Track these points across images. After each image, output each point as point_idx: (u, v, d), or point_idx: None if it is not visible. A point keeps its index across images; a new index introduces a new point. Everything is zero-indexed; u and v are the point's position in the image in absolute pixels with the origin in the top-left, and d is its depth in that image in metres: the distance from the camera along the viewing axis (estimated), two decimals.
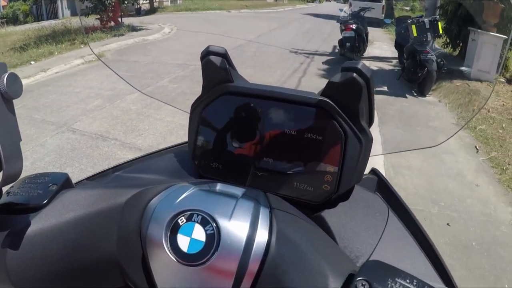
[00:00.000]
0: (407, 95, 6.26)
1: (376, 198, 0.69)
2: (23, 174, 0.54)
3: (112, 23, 13.85)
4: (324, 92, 0.57)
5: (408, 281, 0.37)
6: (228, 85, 0.62)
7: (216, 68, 0.63)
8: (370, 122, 0.62)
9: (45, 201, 0.50)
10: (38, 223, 0.50)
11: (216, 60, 0.63)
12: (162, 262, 0.46)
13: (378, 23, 10.65)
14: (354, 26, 8.02)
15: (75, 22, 16.51)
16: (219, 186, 0.53)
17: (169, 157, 0.74)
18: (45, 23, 22.65)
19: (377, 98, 5.89)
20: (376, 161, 4.08)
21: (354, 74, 0.53)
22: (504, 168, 4.11)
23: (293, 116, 0.58)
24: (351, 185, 0.59)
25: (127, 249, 0.49)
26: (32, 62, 10.44)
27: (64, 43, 12.11)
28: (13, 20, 37.45)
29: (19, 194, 0.52)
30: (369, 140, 0.58)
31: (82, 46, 11.41)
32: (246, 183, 0.60)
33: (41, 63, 10.10)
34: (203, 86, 0.65)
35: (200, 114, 0.65)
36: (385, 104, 5.68)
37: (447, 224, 3.17)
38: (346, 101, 0.55)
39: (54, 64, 9.47)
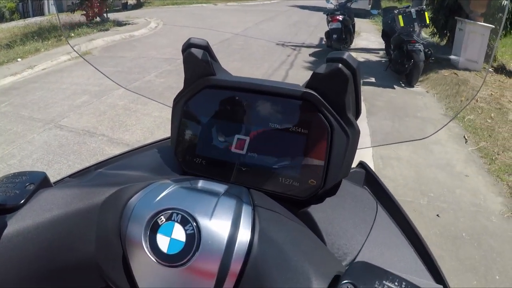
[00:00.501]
0: (395, 86, 6.27)
1: (364, 192, 0.66)
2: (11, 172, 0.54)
3: (98, 19, 13.85)
4: (309, 84, 0.55)
5: (396, 283, 0.35)
6: (210, 78, 0.60)
7: (198, 61, 0.61)
8: (357, 114, 0.60)
9: (22, 201, 0.49)
10: (15, 224, 0.48)
11: (197, 52, 0.61)
12: (142, 263, 0.45)
13: (365, 14, 10.68)
14: (340, 18, 8.08)
15: (62, 18, 16.49)
16: (200, 183, 0.52)
17: (152, 153, 0.72)
18: (31, 20, 22.50)
19: (365, 89, 5.89)
20: (365, 152, 4.08)
21: (340, 65, 0.51)
22: (493, 158, 4.11)
23: (278, 109, 0.56)
24: (338, 179, 0.57)
25: (106, 250, 0.48)
26: (19, 60, 10.32)
27: (51, 39, 12.01)
28: None
29: None
30: (356, 132, 0.56)
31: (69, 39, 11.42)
32: (230, 178, 0.58)
33: (28, 60, 9.99)
34: (185, 79, 0.64)
35: (182, 108, 0.63)
36: (373, 95, 5.70)
37: (437, 215, 3.17)
38: (332, 93, 0.53)
39: (41, 60, 9.39)
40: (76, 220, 0.48)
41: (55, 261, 0.47)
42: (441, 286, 0.48)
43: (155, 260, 0.44)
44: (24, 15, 35.74)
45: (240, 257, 0.43)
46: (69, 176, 0.69)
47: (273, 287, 0.40)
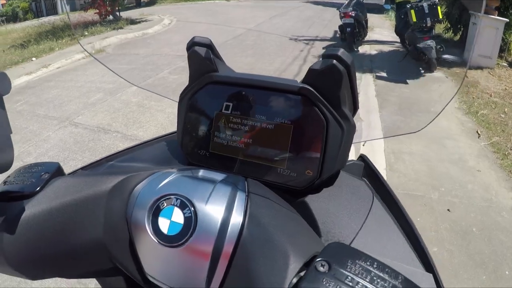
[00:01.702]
0: (410, 75, 6.28)
1: (362, 184, 0.68)
2: None
3: (111, 17, 13.87)
4: (305, 79, 0.57)
5: (368, 263, 0.39)
6: (213, 74, 0.63)
7: (201, 58, 0.64)
8: (355, 109, 0.63)
9: (37, 189, 0.55)
10: (31, 209, 0.53)
11: (200, 50, 0.64)
12: (146, 244, 0.49)
13: (378, 9, 10.53)
14: (353, 13, 8.06)
15: (75, 17, 16.53)
16: (201, 172, 0.55)
17: (160, 146, 0.76)
18: (45, 20, 22.62)
19: (379, 81, 5.86)
20: (377, 147, 4.09)
21: (334, 61, 0.54)
22: (506, 153, 4.09)
23: (276, 103, 0.59)
24: (334, 171, 0.60)
25: (113, 233, 0.51)
26: (34, 59, 10.44)
27: (65, 38, 12.08)
28: (13, 17, 37.39)
29: (14, 183, 0.56)
30: (351, 126, 0.59)
31: (82, 38, 11.44)
32: (233, 169, 0.62)
33: (42, 59, 10.10)
34: (189, 76, 0.67)
35: (187, 103, 0.66)
36: (386, 88, 5.67)
37: (448, 210, 3.17)
38: (327, 88, 0.56)
39: (55, 59, 9.48)
40: (86, 206, 0.53)
41: (67, 242, 0.52)
42: (431, 274, 0.51)
43: (156, 241, 0.47)
44: (38, 14, 35.97)
45: (232, 239, 0.46)
46: (82, 168, 0.74)
47: (256, 267, 0.43)
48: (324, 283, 0.38)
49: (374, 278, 0.38)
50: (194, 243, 0.46)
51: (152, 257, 0.49)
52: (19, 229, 0.53)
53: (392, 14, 9.56)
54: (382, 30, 9.99)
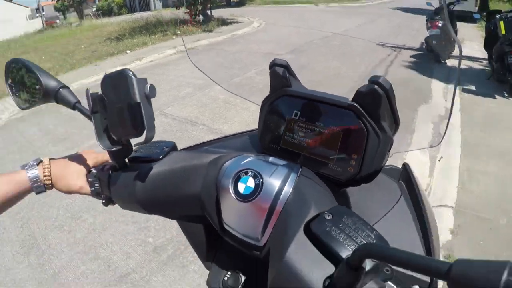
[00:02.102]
0: (496, 95, 5.85)
1: (394, 185, 0.86)
2: None
3: (201, 17, 14.14)
4: (354, 98, 0.73)
5: (357, 219, 0.60)
6: (287, 89, 0.82)
7: (279, 76, 0.83)
8: (396, 126, 0.77)
9: (161, 157, 0.85)
10: (156, 169, 0.82)
11: (279, 70, 0.83)
12: (228, 201, 0.70)
13: (470, 18, 9.60)
14: (440, 24, 7.56)
15: (166, 14, 17.13)
16: (270, 158, 0.76)
17: (244, 138, 0.98)
18: (138, 15, 23.76)
19: (464, 97, 5.67)
20: (451, 164, 3.95)
21: (376, 86, 0.68)
22: None
23: (331, 114, 0.76)
24: (371, 170, 0.75)
25: (207, 191, 0.74)
26: (128, 52, 11.07)
27: (157, 34, 12.69)
28: (108, 12, 39.69)
29: (144, 152, 0.89)
30: (387, 137, 0.73)
31: (174, 37, 11.91)
32: (296, 161, 0.79)
33: (136, 52, 10.69)
34: (270, 87, 0.86)
35: (267, 108, 0.86)
36: (471, 105, 5.48)
37: None
38: (369, 106, 0.71)
39: (148, 53, 10.00)
40: (191, 171, 0.78)
41: (175, 192, 0.79)
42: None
43: (235, 198, 0.68)
44: (131, 9, 37.91)
45: (282, 202, 0.66)
46: (186, 148, 0.98)
47: (292, 219, 0.64)
48: (326, 224, 0.59)
49: (358, 228, 0.58)
50: (258, 201, 0.67)
51: (230, 210, 0.71)
52: (147, 181, 0.81)
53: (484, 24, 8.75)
54: (472, 43, 9.54)
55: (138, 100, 0.69)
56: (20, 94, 0.98)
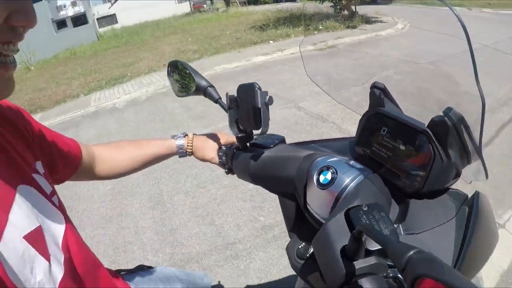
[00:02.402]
0: None
1: (453, 208, 0.92)
2: None
3: (346, 12, 14.00)
4: (428, 124, 0.86)
5: (385, 216, 0.71)
6: (380, 108, 0.97)
7: (376, 97, 0.99)
8: (467, 157, 0.89)
9: (271, 146, 1.14)
10: (266, 154, 1.12)
11: (376, 91, 0.99)
12: (312, 187, 0.93)
13: None
14: None
15: (310, 7, 17.12)
16: (351, 162, 0.95)
17: (345, 143, 1.15)
18: (283, 5, 24.14)
19: None
20: None
21: (445, 118, 0.82)
22: None
23: (410, 135, 0.89)
24: (433, 189, 0.89)
25: (299, 177, 0.98)
26: (271, 42, 11.48)
27: (300, 27, 12.91)
28: (254, 0, 40.76)
29: (261, 140, 1.18)
30: (452, 163, 0.86)
31: (315, 32, 11.90)
32: (376, 168, 0.95)
33: (279, 43, 11.04)
34: (369, 104, 1.02)
35: (363, 122, 1.02)
36: None
37: None
38: (439, 134, 0.84)
39: (290, 45, 10.29)
40: (291, 160, 1.03)
41: (278, 173, 1.06)
42: None
43: (316, 185, 0.91)
44: (277, 0, 38.48)
45: (344, 194, 0.86)
46: (294, 143, 1.24)
47: (345, 206, 0.78)
48: (360, 213, 0.73)
49: (381, 220, 0.70)
50: (330, 190, 0.89)
51: (312, 194, 0.94)
52: (258, 161, 1.12)
53: None
54: None
55: (259, 106, 0.98)
56: (178, 86, 1.36)
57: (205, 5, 39.70)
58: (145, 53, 14.82)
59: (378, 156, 0.96)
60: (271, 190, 1.17)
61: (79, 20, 30.72)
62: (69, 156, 1.10)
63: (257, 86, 1.01)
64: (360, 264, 0.68)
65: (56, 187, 0.97)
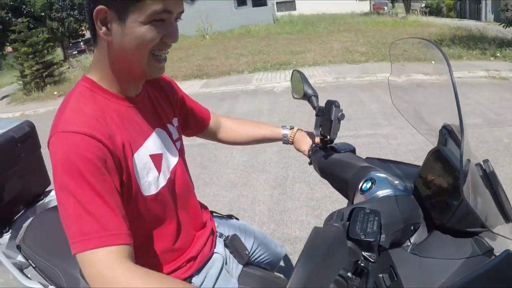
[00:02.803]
0: None
1: (467, 253, 0.95)
2: None
3: None
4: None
5: (377, 220, 0.90)
6: (440, 146, 1.08)
7: (442, 135, 1.11)
8: (503, 213, 0.92)
9: (342, 151, 1.44)
10: (336, 156, 1.43)
11: (443, 131, 1.12)
12: (357, 191, 1.18)
13: None
14: None
15: (492, 29, 15.81)
16: (396, 181, 1.16)
17: (413, 168, 1.28)
18: (464, 22, 22.51)
19: None
20: None
21: (482, 166, 0.93)
22: None
23: (451, 174, 1.00)
24: (453, 228, 0.98)
25: (353, 180, 1.23)
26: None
27: (475, 50, 11.94)
28: (436, 11, 38.89)
29: (337, 145, 1.48)
30: (473, 213, 0.89)
31: (491, 58, 10.94)
32: (420, 196, 1.10)
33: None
34: (438, 141, 1.15)
35: (427, 156, 1.11)
36: None
37: None
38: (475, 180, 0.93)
39: (459, 68, 9.39)
40: (352, 166, 1.30)
41: (339, 173, 1.36)
42: None
43: (359, 191, 1.16)
44: (460, 14, 35.96)
45: (373, 198, 1.10)
46: (366, 157, 1.42)
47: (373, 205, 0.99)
48: (360, 212, 0.92)
49: (371, 222, 0.89)
50: (365, 195, 1.13)
51: (356, 196, 1.19)
52: (328, 159, 1.41)
53: None
54: None
55: (332, 119, 1.31)
56: (294, 90, 1.63)
57: (385, 7, 39.04)
58: (315, 45, 15.15)
59: (426, 184, 1.10)
60: (332, 185, 1.44)
61: (259, 1, 31.82)
62: (200, 119, 1.62)
63: (336, 103, 1.34)
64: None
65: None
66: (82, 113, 1.01)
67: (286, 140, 1.69)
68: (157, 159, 1.18)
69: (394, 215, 1.00)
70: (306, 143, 1.61)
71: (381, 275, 0.96)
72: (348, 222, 0.93)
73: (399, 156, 5.07)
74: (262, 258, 1.69)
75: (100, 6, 0.96)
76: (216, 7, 26.44)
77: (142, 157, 1.12)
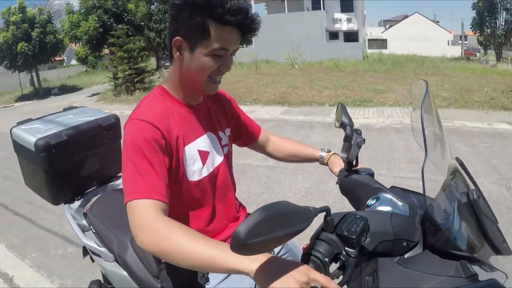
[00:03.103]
0: None
1: (450, 272, 1.01)
2: None
3: None
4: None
5: (360, 224, 1.04)
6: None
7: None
8: (488, 242, 1.03)
9: (361, 173, 1.59)
10: (355, 177, 1.58)
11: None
12: (364, 207, 1.31)
13: None
14: None
15: None
16: (400, 203, 1.26)
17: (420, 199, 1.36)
18: None
19: None
20: None
21: (469, 195, 1.05)
22: None
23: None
24: (442, 249, 1.08)
25: (365, 199, 1.34)
26: None
27: None
28: None
29: (360, 169, 1.64)
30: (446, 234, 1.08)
31: None
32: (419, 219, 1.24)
33: None
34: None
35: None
36: None
37: None
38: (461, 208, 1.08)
39: None
40: (366, 187, 1.43)
41: (354, 192, 1.51)
42: None
43: (366, 208, 1.31)
44: None
45: (372, 209, 1.25)
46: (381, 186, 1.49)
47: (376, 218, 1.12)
48: (349, 217, 1.06)
49: (355, 224, 1.03)
50: (369, 209, 1.26)
51: (365, 207, 1.30)
52: (347, 179, 1.58)
53: None
54: None
55: (352, 144, 1.56)
56: (337, 119, 1.77)
57: (478, 54, 37.81)
58: (399, 86, 15.10)
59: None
60: (350, 202, 1.54)
61: (351, 36, 32.36)
62: (251, 133, 1.96)
63: (359, 131, 1.61)
64: (327, 234, 1.04)
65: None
66: (151, 109, 1.40)
67: (322, 161, 1.92)
68: (203, 155, 1.53)
69: (385, 227, 1.11)
70: (338, 166, 1.81)
71: (367, 277, 1.09)
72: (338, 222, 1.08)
73: None
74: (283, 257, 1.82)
75: (178, 37, 1.36)
76: (308, 38, 27.23)
77: (191, 150, 1.48)
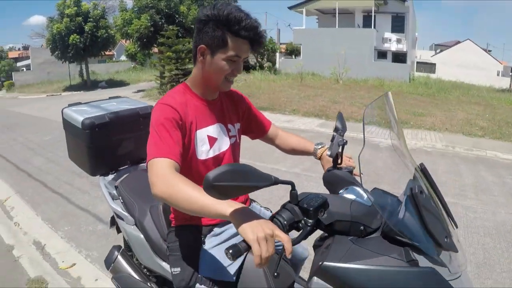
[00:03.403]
0: None
1: (386, 252, 1.17)
2: None
3: None
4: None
5: (321, 201, 1.25)
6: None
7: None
8: (430, 235, 1.17)
9: (341, 170, 1.80)
10: (336, 172, 1.77)
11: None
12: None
13: None
14: None
15: None
16: (365, 196, 1.42)
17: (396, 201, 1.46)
18: None
19: None
20: None
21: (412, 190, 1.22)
22: None
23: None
24: (389, 235, 1.23)
25: (339, 189, 1.57)
26: None
27: None
28: None
29: (343, 166, 1.89)
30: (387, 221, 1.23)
31: None
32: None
33: None
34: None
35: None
36: None
37: None
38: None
39: None
40: (341, 181, 1.66)
41: (333, 183, 1.71)
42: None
43: (338, 192, 1.55)
44: None
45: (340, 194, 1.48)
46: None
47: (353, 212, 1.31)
48: (314, 196, 1.29)
49: (315, 201, 1.25)
50: (340, 194, 1.51)
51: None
52: (329, 173, 1.76)
53: None
54: None
55: (332, 142, 1.77)
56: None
57: None
58: (439, 111, 14.90)
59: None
60: (329, 192, 1.65)
61: (399, 57, 31.85)
62: (261, 126, 2.20)
63: (340, 132, 1.79)
64: (291, 205, 1.24)
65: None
66: (174, 98, 1.71)
67: (315, 155, 2.14)
68: (212, 140, 1.79)
69: (343, 209, 1.30)
70: (329, 162, 1.97)
71: (323, 249, 1.28)
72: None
73: (470, 228, 4.94)
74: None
75: (202, 45, 1.66)
76: (356, 54, 26.98)
77: (202, 134, 1.76)
